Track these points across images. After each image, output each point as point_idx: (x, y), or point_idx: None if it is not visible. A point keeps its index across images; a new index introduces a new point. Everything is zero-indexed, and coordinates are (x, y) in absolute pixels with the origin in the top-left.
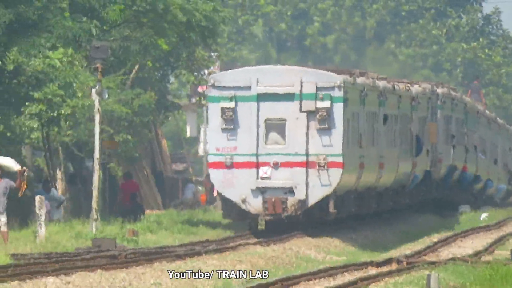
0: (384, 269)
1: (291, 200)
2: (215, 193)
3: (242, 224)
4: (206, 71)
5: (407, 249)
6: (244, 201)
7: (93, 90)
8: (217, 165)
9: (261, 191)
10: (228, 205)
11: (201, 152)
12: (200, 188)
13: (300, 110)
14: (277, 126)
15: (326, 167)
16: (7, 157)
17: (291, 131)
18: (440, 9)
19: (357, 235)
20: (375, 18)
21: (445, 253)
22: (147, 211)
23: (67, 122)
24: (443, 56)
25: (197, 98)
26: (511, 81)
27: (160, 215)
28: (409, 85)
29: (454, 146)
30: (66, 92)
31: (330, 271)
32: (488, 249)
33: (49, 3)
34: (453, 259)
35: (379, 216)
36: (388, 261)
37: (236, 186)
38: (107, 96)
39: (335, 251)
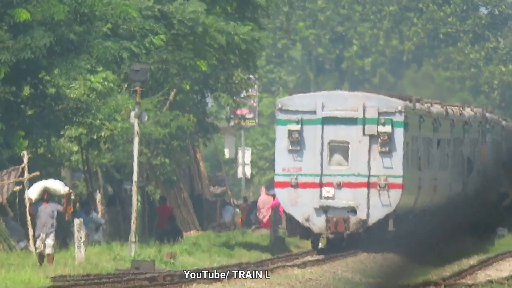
0: None
1: (353, 219)
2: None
3: (280, 247)
4: (244, 93)
5: (444, 271)
6: (307, 219)
7: (132, 113)
8: (283, 185)
9: (324, 210)
10: (293, 223)
11: (239, 174)
12: (237, 210)
13: (363, 134)
14: (340, 148)
15: (386, 188)
16: (56, 180)
17: (353, 153)
18: (477, 32)
19: (394, 256)
20: (413, 41)
21: (482, 275)
22: (185, 233)
23: (106, 145)
24: (481, 79)
25: (236, 120)
26: None
27: (198, 237)
28: (461, 108)
29: (506, 174)
30: (106, 115)
31: None
32: None
33: (91, 27)
34: (491, 281)
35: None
36: (426, 284)
37: (300, 205)
38: (146, 118)
39: (371, 273)
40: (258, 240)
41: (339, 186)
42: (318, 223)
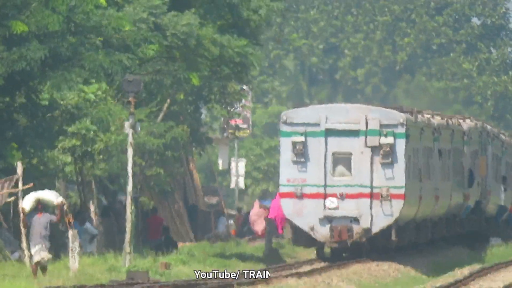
0: None
1: (356, 228)
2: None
3: (274, 258)
4: (238, 104)
5: (438, 281)
6: (312, 229)
7: (126, 124)
8: (288, 195)
9: (328, 220)
10: (297, 233)
11: (233, 185)
12: (231, 222)
13: (365, 145)
14: (343, 160)
15: (389, 198)
16: (49, 190)
17: (356, 165)
18: (471, 43)
19: (389, 267)
20: (406, 52)
21: (476, 286)
22: (180, 244)
23: (100, 156)
24: (474, 90)
25: (230, 131)
26: None
27: (192, 248)
28: (461, 120)
29: (505, 189)
30: (100, 126)
31: None
32: None
33: (84, 39)
34: None
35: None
36: None
37: (305, 215)
38: (139, 129)
39: (366, 283)
40: (252, 251)
41: (343, 196)
42: (322, 232)
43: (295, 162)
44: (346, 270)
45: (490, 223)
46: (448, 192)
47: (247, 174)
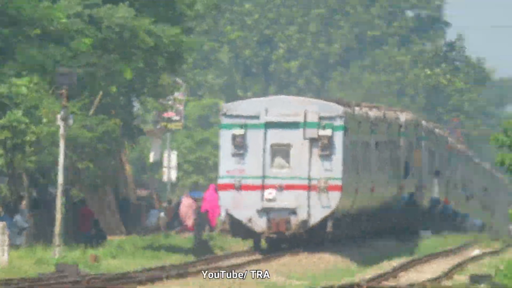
0: None
1: (294, 220)
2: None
3: (204, 250)
4: (171, 97)
5: (367, 273)
6: (250, 220)
7: (58, 116)
8: (227, 187)
9: (266, 211)
10: (236, 224)
11: (165, 177)
12: (162, 214)
13: (304, 138)
14: (282, 152)
15: (326, 190)
16: None
17: (295, 157)
18: (404, 35)
19: (319, 260)
20: (340, 44)
21: (404, 278)
22: (110, 237)
23: (31, 148)
24: (406, 82)
25: (162, 123)
26: (472, 107)
27: (123, 241)
28: (398, 113)
29: (438, 181)
30: (31, 118)
31: None
32: (448, 274)
33: (18, 32)
34: (412, 284)
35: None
36: (349, 286)
37: (243, 207)
38: (72, 122)
39: (295, 275)
40: (182, 243)
41: (281, 188)
42: (260, 224)
43: (234, 154)
44: (276, 262)
45: (424, 215)
46: (384, 184)
47: (179, 167)
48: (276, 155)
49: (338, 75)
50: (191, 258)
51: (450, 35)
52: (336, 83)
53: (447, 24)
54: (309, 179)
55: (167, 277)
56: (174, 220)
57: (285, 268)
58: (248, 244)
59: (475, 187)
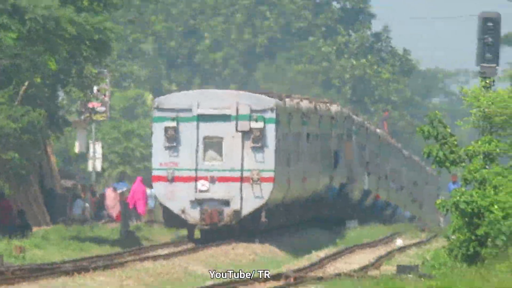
0: (272, 284)
1: (226, 211)
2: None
3: (130, 241)
4: (96, 88)
5: (295, 264)
6: (183, 211)
7: None
8: (160, 179)
9: (199, 203)
10: (169, 215)
11: (90, 168)
12: (87, 205)
13: (236, 130)
14: (215, 144)
15: (259, 181)
16: None
17: (227, 149)
18: (330, 26)
19: (245, 250)
20: (265, 35)
21: (331, 268)
22: (36, 228)
23: None
24: (332, 73)
25: (87, 114)
26: (399, 98)
27: (48, 231)
28: (328, 104)
29: (369, 174)
30: None
31: (217, 287)
32: (375, 264)
33: None
34: (339, 274)
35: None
36: (276, 277)
37: (177, 198)
38: None
39: (222, 266)
40: (108, 234)
41: (214, 180)
42: (193, 215)
43: (167, 147)
44: (203, 253)
45: (355, 207)
46: (316, 174)
47: (104, 157)
48: (209, 148)
49: (263, 66)
50: (117, 249)
51: (376, 26)
52: (262, 74)
53: (373, 15)
54: (242, 171)
55: (94, 268)
56: (100, 211)
57: (212, 259)
58: (175, 235)
59: (405, 180)
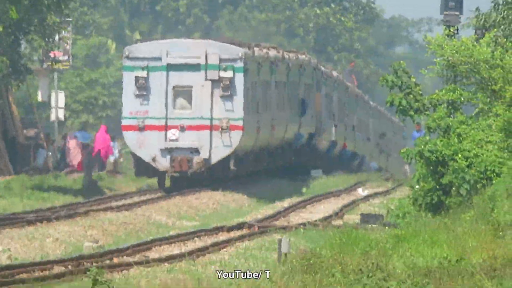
0: (236, 234)
1: (196, 159)
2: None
3: (93, 191)
4: (58, 36)
5: (259, 214)
6: (154, 159)
7: None
8: (130, 128)
9: (169, 151)
10: (140, 164)
11: (52, 117)
12: (50, 154)
13: (205, 79)
14: (184, 93)
15: (228, 130)
16: None
17: (197, 98)
18: None
19: (209, 200)
20: None
21: (296, 218)
22: None
23: None
24: (296, 22)
25: (49, 63)
26: (363, 46)
27: (11, 181)
28: (297, 54)
29: (336, 125)
30: None
31: (181, 237)
32: (338, 214)
33: None
34: (304, 223)
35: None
36: (240, 226)
37: (147, 147)
38: None
39: (186, 216)
40: (71, 184)
41: (183, 128)
42: (163, 163)
43: (137, 96)
44: (166, 203)
45: (323, 157)
46: (284, 122)
47: (67, 107)
48: (179, 97)
49: (227, 14)
50: (80, 199)
51: None
52: (225, 22)
53: None
54: (211, 119)
55: (57, 218)
56: (62, 160)
57: (175, 209)
58: (138, 185)
59: (372, 131)
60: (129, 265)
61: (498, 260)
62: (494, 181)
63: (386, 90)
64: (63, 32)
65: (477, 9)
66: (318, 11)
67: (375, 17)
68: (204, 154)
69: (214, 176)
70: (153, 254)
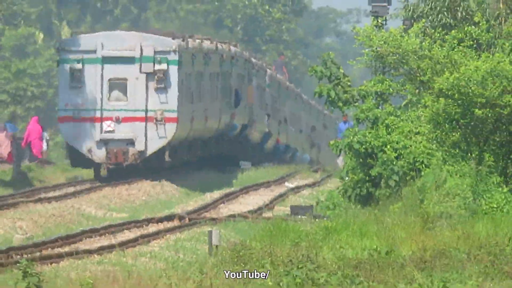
0: (166, 225)
1: (131, 151)
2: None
3: (22, 182)
4: None
5: (189, 205)
6: (90, 151)
7: None
8: (66, 119)
9: (105, 142)
10: (75, 155)
11: None
12: None
13: (140, 72)
14: (119, 85)
15: (163, 121)
16: None
17: (132, 90)
18: None
19: (138, 191)
20: None
21: (225, 209)
22: None
23: None
24: (224, 13)
25: None
26: (291, 37)
27: None
28: (230, 46)
29: (269, 117)
30: None
31: (111, 228)
32: (269, 205)
33: None
34: (234, 215)
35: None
36: (170, 218)
37: (83, 138)
38: None
39: (115, 208)
40: (1, 175)
41: (118, 120)
42: (99, 155)
43: (72, 88)
44: (96, 194)
45: (255, 148)
46: (217, 113)
47: None
48: (114, 89)
49: (154, 5)
50: (10, 190)
51: None
52: (153, 13)
53: None
54: (146, 111)
55: None
56: None
57: (105, 201)
58: (67, 175)
59: (304, 123)
60: (59, 256)
61: (428, 251)
62: (423, 173)
63: (314, 80)
64: None
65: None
66: (246, 2)
67: (303, 8)
68: (139, 146)
69: (149, 167)
70: (83, 246)
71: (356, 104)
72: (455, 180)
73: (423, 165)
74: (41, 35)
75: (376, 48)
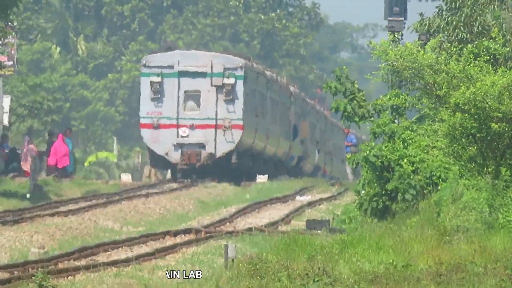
0: (182, 239)
1: (203, 153)
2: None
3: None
4: (2, 41)
5: (205, 219)
6: (167, 154)
7: None
8: (147, 126)
9: (180, 146)
10: (155, 157)
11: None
12: None
13: (211, 85)
14: (193, 97)
15: (230, 128)
16: None
17: (204, 101)
18: None
19: (155, 205)
20: None
21: (242, 223)
22: None
23: None
24: (240, 27)
25: None
26: (308, 52)
27: None
28: (287, 82)
29: (319, 151)
30: None
31: (128, 242)
32: (285, 219)
33: None
34: (250, 229)
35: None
36: (186, 231)
37: (161, 142)
38: None
39: (131, 221)
40: (18, 188)
41: (192, 127)
42: (175, 157)
43: (153, 99)
44: (112, 208)
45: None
46: (277, 136)
47: (12, 111)
48: (189, 100)
49: (171, 19)
50: (27, 203)
51: None
52: (169, 26)
53: None
54: (216, 119)
55: (3, 223)
56: (9, 165)
57: (121, 214)
58: (82, 190)
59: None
60: (75, 270)
61: (444, 265)
62: (439, 187)
63: (329, 94)
64: (7, 37)
65: (421, 14)
66: (263, 17)
67: (319, 23)
68: (210, 149)
69: (219, 168)
70: (99, 259)
71: (372, 119)
72: (471, 194)
73: (440, 179)
74: (57, 50)
75: (392, 63)
